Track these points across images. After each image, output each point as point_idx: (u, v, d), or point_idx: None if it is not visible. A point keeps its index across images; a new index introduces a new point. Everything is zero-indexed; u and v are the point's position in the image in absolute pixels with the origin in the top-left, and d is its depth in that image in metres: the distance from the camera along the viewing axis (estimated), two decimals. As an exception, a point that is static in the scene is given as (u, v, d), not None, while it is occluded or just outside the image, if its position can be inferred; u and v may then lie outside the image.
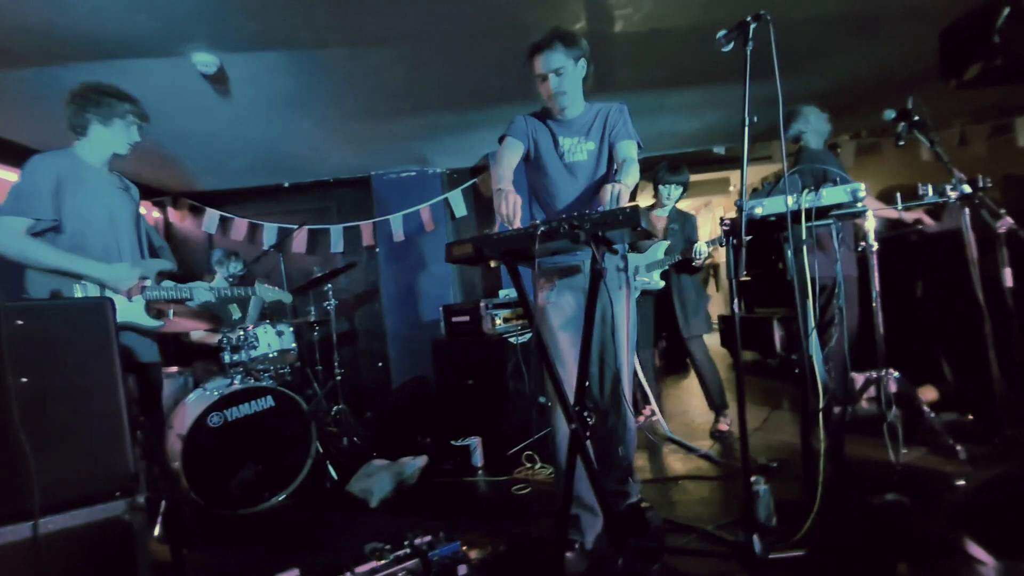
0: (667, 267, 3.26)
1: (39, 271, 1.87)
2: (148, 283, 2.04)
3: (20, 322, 1.31)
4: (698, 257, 3.05)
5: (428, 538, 1.86)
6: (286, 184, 4.85)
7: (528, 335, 3.49)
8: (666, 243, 3.24)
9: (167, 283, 2.13)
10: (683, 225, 3.34)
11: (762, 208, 1.76)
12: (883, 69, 3.52)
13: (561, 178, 1.95)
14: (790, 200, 1.69)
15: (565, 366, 1.81)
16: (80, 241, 1.94)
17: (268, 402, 2.91)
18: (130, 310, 2.00)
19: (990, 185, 2.19)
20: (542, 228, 1.45)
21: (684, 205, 3.51)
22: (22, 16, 2.13)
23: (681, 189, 3.33)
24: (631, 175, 1.79)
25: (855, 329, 2.67)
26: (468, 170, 4.85)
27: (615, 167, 1.94)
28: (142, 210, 2.17)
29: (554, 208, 1.96)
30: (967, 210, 2.19)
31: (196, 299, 2.13)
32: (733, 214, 1.79)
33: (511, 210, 1.59)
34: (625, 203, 1.56)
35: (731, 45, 1.66)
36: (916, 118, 2.31)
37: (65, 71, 2.45)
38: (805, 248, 1.72)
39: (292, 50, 2.62)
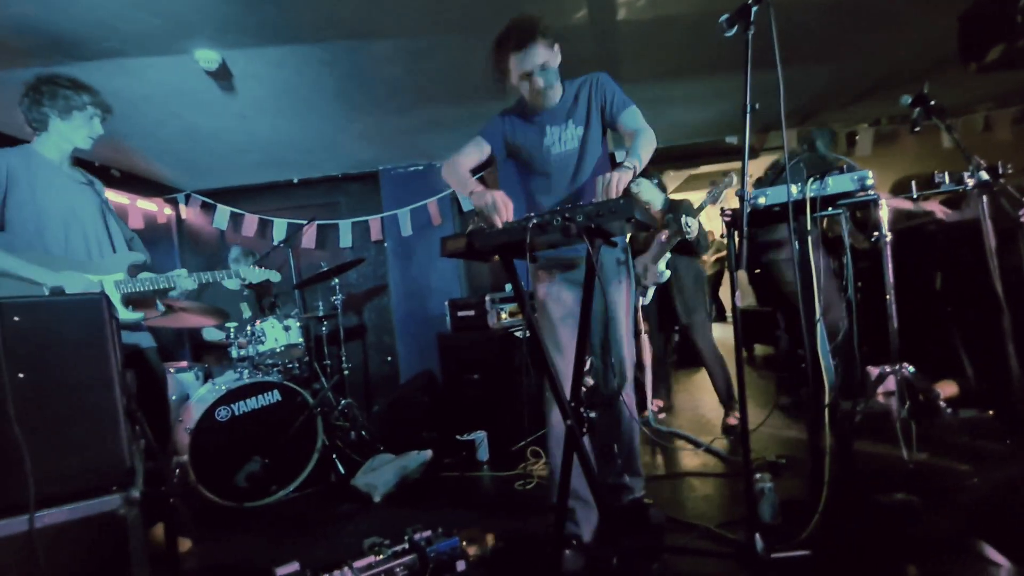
0: (669, 255, 3.21)
1: None
2: (121, 277, 2.02)
3: (17, 318, 1.33)
4: (688, 231, 2.98)
5: (427, 533, 1.86)
6: (295, 180, 4.87)
7: (534, 329, 3.46)
8: (665, 231, 3.19)
9: (144, 275, 2.09)
10: (677, 213, 3.28)
11: (765, 198, 1.70)
12: (902, 54, 3.39)
13: (553, 172, 1.89)
14: (794, 189, 1.64)
15: (566, 360, 1.79)
16: (37, 238, 1.90)
17: (275, 396, 2.94)
18: None
19: (1011, 172, 2.10)
20: (534, 221, 1.42)
21: (699, 196, 3.44)
22: (23, 14, 2.15)
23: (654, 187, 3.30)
24: (645, 145, 1.71)
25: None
26: (476, 164, 4.81)
27: (605, 147, 1.89)
28: (126, 199, 2.06)
29: (544, 203, 1.91)
30: (986, 198, 2.10)
31: (178, 287, 2.11)
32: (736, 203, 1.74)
33: (501, 206, 1.56)
34: (625, 184, 1.52)
35: (733, 30, 1.60)
36: (932, 103, 2.21)
37: (70, 69, 2.48)
38: (811, 240, 1.67)
39: (293, 44, 2.62)
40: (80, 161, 2.15)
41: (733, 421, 3.18)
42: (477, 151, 1.90)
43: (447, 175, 1.90)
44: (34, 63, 2.44)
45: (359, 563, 1.74)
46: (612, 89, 1.85)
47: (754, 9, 1.52)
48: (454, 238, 1.63)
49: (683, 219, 2.95)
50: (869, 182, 1.61)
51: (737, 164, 5.74)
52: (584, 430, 1.55)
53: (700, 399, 4.18)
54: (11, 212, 1.89)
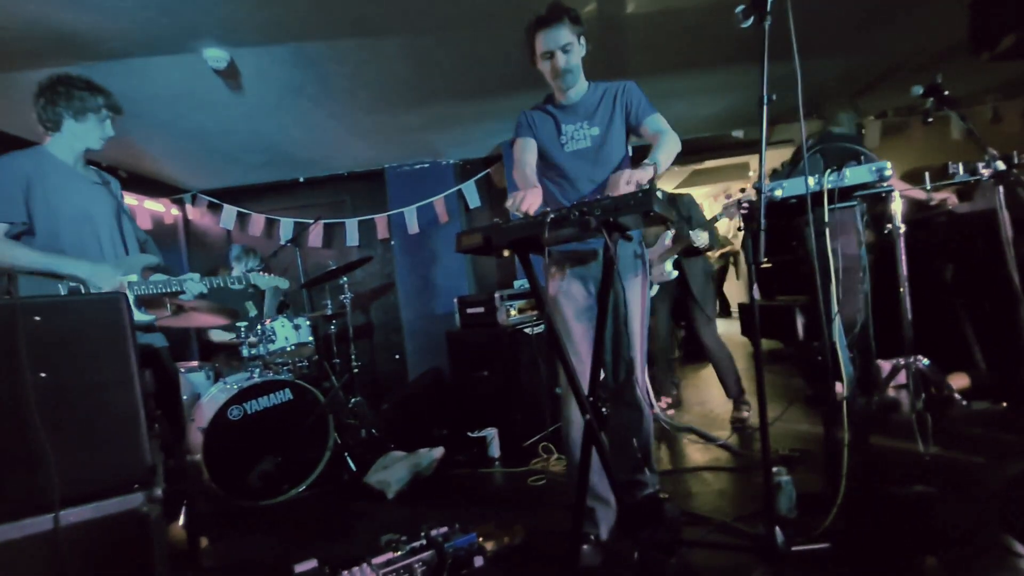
0: (676, 256, 3.21)
1: (22, 275, 1.81)
2: (134, 278, 2.03)
3: (38, 318, 1.33)
4: (698, 243, 3.04)
5: (444, 529, 1.86)
6: (301, 179, 4.88)
7: (543, 326, 3.46)
8: (670, 233, 3.19)
9: (156, 276, 2.10)
10: (677, 210, 3.28)
11: (782, 190, 1.69)
12: (911, 45, 3.37)
13: (565, 167, 1.90)
14: (811, 181, 1.63)
15: (579, 356, 1.79)
16: (54, 240, 1.90)
17: (286, 395, 2.94)
18: None
19: (1025, 162, 2.09)
20: (552, 215, 1.41)
21: (704, 191, 3.45)
22: (32, 15, 2.15)
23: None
24: (667, 147, 1.74)
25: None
26: (481, 160, 4.81)
27: (628, 150, 1.90)
28: (134, 201, 2.04)
29: (560, 197, 1.91)
30: (1001, 188, 2.09)
31: (188, 291, 2.11)
32: (752, 196, 1.73)
33: (523, 202, 1.55)
34: (639, 181, 1.51)
35: (749, 21, 1.59)
36: (946, 94, 2.20)
37: (79, 70, 2.48)
38: (828, 231, 1.66)
39: (300, 43, 2.62)
40: (91, 161, 2.14)
41: (743, 414, 3.18)
42: (530, 149, 1.93)
43: (517, 178, 1.90)
44: (43, 64, 2.44)
45: (378, 559, 1.74)
46: (639, 96, 1.90)
47: (770, 0, 1.51)
48: (469, 234, 1.62)
49: (695, 231, 3.02)
50: (887, 173, 1.60)
51: (742, 158, 5.71)
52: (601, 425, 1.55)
53: (708, 394, 4.18)
54: (32, 213, 1.89)
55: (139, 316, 2.05)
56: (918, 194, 2.57)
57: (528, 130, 1.94)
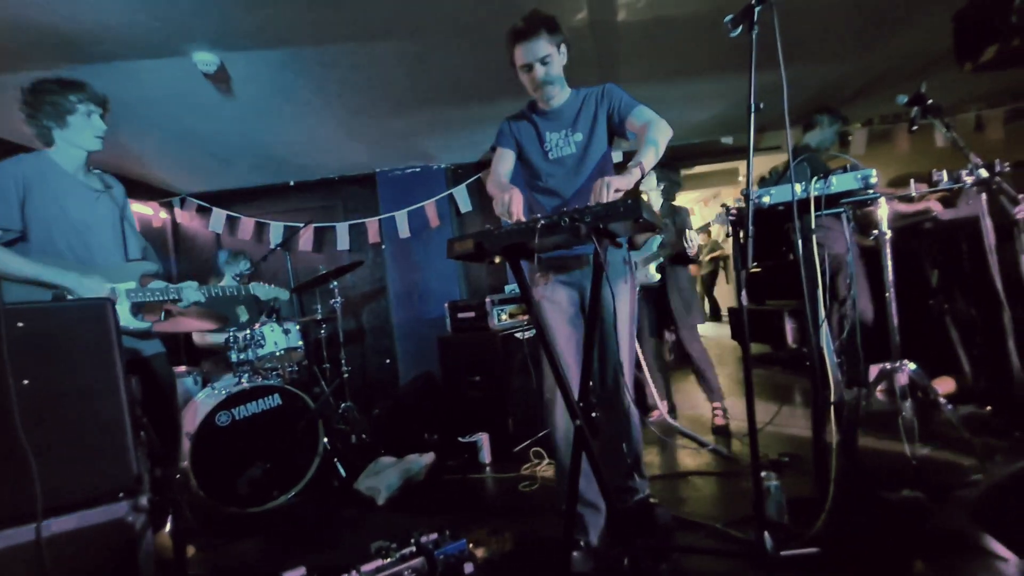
0: (662, 261, 3.24)
1: (11, 281, 1.80)
2: (132, 286, 2.01)
3: (21, 324, 1.32)
4: (689, 244, 3.05)
5: (434, 536, 1.85)
6: (292, 183, 4.85)
7: (534, 331, 3.46)
8: (660, 237, 3.22)
9: (155, 284, 2.08)
10: (674, 219, 3.33)
11: (770, 197, 1.71)
12: (895, 54, 3.43)
13: (549, 174, 1.91)
14: (798, 188, 1.65)
15: (564, 361, 1.79)
16: (48, 247, 1.88)
17: (275, 400, 2.92)
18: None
19: (1008, 169, 2.12)
20: (542, 222, 1.42)
21: (693, 196, 3.49)
22: (21, 16, 2.13)
23: (654, 179, 3.35)
24: (656, 135, 1.69)
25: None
26: (472, 165, 4.81)
27: (609, 150, 1.92)
28: (145, 209, 2.07)
29: (545, 204, 1.92)
30: (984, 196, 2.12)
31: (185, 299, 2.09)
32: (740, 203, 1.75)
33: (511, 204, 1.56)
34: (618, 188, 1.50)
35: (739, 30, 1.61)
36: (930, 102, 2.23)
37: (67, 72, 2.45)
38: (815, 238, 1.68)
39: (291, 47, 2.61)
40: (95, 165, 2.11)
41: (720, 421, 3.22)
42: (506, 160, 1.93)
43: (491, 188, 1.89)
44: (32, 66, 2.41)
45: (367, 567, 1.72)
46: (619, 95, 1.88)
47: (757, 9, 1.53)
48: (461, 240, 1.62)
49: (688, 234, 3.01)
50: (873, 180, 1.62)
51: (731, 164, 5.74)
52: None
53: (698, 399, 4.18)
54: (27, 220, 1.87)
55: (136, 323, 2.03)
56: (903, 207, 2.62)
57: (508, 140, 1.94)
